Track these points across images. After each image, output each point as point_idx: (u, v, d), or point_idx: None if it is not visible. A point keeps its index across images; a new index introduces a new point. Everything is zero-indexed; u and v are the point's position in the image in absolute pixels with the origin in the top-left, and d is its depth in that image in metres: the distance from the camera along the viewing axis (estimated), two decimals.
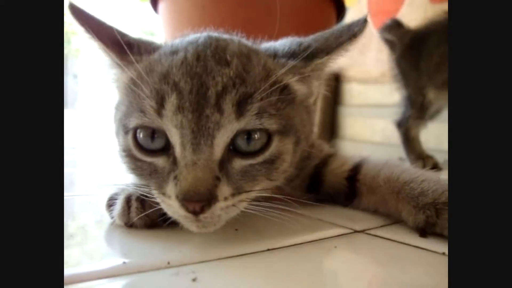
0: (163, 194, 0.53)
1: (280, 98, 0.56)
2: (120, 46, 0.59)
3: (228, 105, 0.51)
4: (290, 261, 0.49)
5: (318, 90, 0.67)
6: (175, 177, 0.51)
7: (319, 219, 0.68)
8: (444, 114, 1.71)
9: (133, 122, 0.55)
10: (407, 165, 0.72)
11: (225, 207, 0.51)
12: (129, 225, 0.58)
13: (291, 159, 0.60)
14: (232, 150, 0.54)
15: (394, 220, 0.66)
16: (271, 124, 0.54)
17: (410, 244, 0.55)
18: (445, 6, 1.89)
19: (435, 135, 1.88)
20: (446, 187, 0.59)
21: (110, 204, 0.61)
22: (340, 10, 1.50)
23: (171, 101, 0.52)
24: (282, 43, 0.64)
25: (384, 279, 0.45)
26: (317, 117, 0.71)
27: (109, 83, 0.70)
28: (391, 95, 1.84)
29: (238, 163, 0.54)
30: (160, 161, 0.54)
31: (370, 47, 2.31)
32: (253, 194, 0.56)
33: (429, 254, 0.52)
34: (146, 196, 0.57)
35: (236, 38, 0.65)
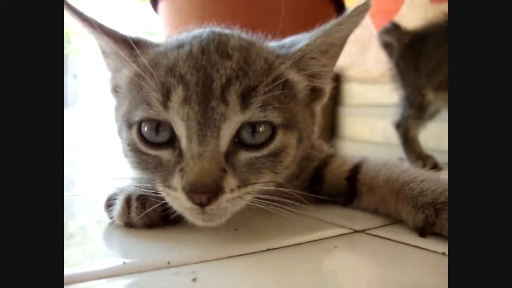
0: (169, 187, 0.53)
1: (283, 92, 0.57)
2: (126, 41, 0.61)
3: (233, 97, 0.52)
4: (290, 261, 0.49)
5: (325, 85, 0.67)
6: (181, 170, 0.51)
7: (319, 219, 0.68)
8: (444, 114, 1.71)
9: (137, 116, 0.55)
10: (406, 165, 0.72)
11: (231, 199, 0.52)
12: (129, 225, 0.58)
13: (294, 154, 0.61)
14: (238, 142, 0.54)
15: (394, 220, 0.66)
16: (275, 117, 0.55)
17: (410, 244, 0.55)
18: (445, 6, 1.89)
19: (435, 135, 1.88)
20: (445, 187, 0.59)
21: (109, 204, 0.61)
22: (340, 9, 1.51)
23: (178, 93, 0.52)
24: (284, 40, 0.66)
25: (384, 279, 0.45)
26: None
27: (106, 86, 0.71)
28: (391, 95, 1.84)
29: (244, 156, 0.55)
30: (165, 154, 0.55)
31: (370, 47, 2.31)
32: (258, 187, 0.56)
33: (429, 254, 0.52)
34: (148, 194, 0.57)
35: (237, 32, 0.66)
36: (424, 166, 0.73)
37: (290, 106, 0.59)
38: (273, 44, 0.66)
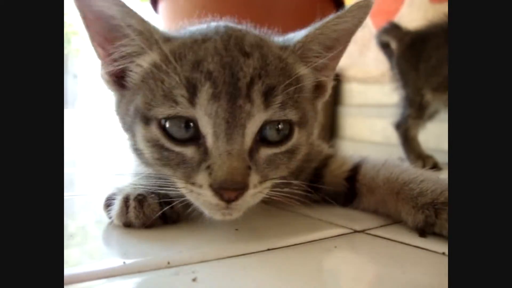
0: (193, 183, 0.53)
1: (296, 89, 0.58)
2: (146, 28, 0.58)
3: (257, 96, 0.53)
4: (290, 261, 0.49)
5: (328, 81, 0.68)
6: (208, 167, 0.52)
7: (319, 219, 0.68)
8: (444, 114, 1.71)
9: (160, 112, 0.54)
10: (406, 165, 0.72)
11: (254, 194, 0.54)
12: (127, 225, 0.58)
13: (304, 150, 0.63)
14: (259, 140, 0.56)
15: (394, 220, 0.66)
16: (293, 115, 0.57)
17: (410, 244, 0.55)
18: (445, 6, 1.89)
19: (435, 135, 1.88)
20: (445, 187, 0.59)
21: (108, 204, 0.61)
22: (339, 9, 1.50)
23: (205, 90, 0.52)
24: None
25: (384, 279, 0.45)
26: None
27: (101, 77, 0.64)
28: (391, 95, 1.84)
29: (264, 152, 0.56)
30: (189, 151, 0.55)
31: (370, 47, 2.31)
32: (274, 182, 0.59)
33: (429, 254, 0.52)
34: (146, 194, 0.57)
35: (248, 28, 0.67)
36: (424, 166, 0.73)
37: (302, 103, 0.60)
38: (278, 38, 0.67)
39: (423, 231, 0.58)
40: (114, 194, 0.60)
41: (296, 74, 0.59)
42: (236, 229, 0.59)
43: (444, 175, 0.61)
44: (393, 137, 1.81)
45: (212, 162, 0.52)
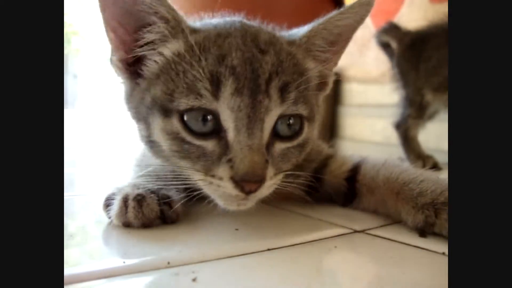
0: (212, 176, 0.55)
1: (305, 84, 0.60)
2: (174, 16, 0.58)
3: (274, 92, 0.56)
4: (290, 261, 0.49)
5: (330, 75, 0.70)
6: (229, 160, 0.54)
7: (319, 219, 0.68)
8: (444, 114, 1.71)
9: (185, 103, 0.55)
10: (406, 165, 0.72)
11: (269, 186, 0.57)
12: (127, 224, 0.58)
13: (311, 144, 0.67)
14: (273, 134, 0.58)
15: (394, 220, 0.66)
16: (303, 110, 0.60)
17: (410, 244, 0.55)
18: (445, 6, 1.89)
19: (435, 135, 1.88)
20: (445, 187, 0.60)
21: (107, 204, 0.60)
22: (339, 8, 1.50)
23: (229, 85, 0.54)
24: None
25: (384, 279, 0.45)
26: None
27: (112, 74, 0.64)
28: (391, 95, 1.83)
29: (279, 146, 0.59)
30: (209, 145, 0.56)
31: (370, 47, 2.31)
32: (285, 173, 0.61)
33: (429, 254, 0.52)
34: (145, 194, 0.57)
35: (259, 24, 0.68)
36: (424, 166, 0.73)
37: (310, 98, 0.63)
38: (284, 33, 0.68)
39: (423, 231, 0.58)
40: (113, 194, 0.60)
41: (305, 70, 0.62)
42: (236, 229, 0.59)
43: (444, 175, 0.61)
44: (393, 137, 1.81)
45: (234, 156, 0.54)
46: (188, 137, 0.56)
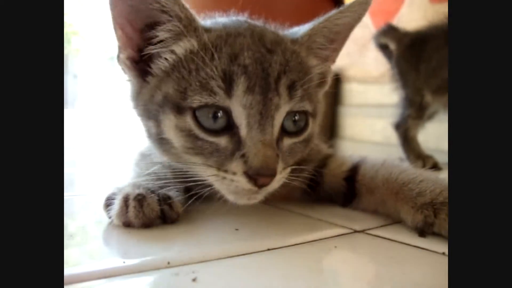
0: (225, 171, 0.57)
1: (309, 81, 0.62)
2: (187, 15, 0.59)
3: (283, 90, 0.58)
4: (290, 261, 0.49)
5: (329, 72, 0.72)
6: (243, 155, 0.55)
7: (319, 219, 0.68)
8: (443, 115, 1.71)
9: (198, 101, 0.56)
10: (406, 165, 0.72)
11: (279, 179, 0.59)
12: (127, 224, 0.58)
13: (315, 140, 0.69)
14: (281, 130, 0.61)
15: (394, 220, 0.66)
16: (308, 106, 0.63)
17: (410, 244, 0.56)
18: (445, 6, 1.89)
19: (435, 135, 1.88)
20: (444, 187, 0.60)
21: (108, 204, 0.60)
22: (338, 7, 1.51)
23: (241, 83, 0.56)
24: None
25: (384, 279, 0.45)
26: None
27: (119, 70, 0.65)
28: (391, 95, 1.83)
29: (286, 142, 0.62)
30: (222, 141, 0.58)
31: (370, 47, 2.31)
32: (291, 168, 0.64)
33: (429, 254, 0.52)
34: (145, 194, 0.57)
35: (263, 25, 0.70)
36: (424, 166, 0.73)
37: (313, 95, 0.66)
38: (286, 32, 0.70)
39: (423, 231, 0.58)
40: (114, 193, 0.60)
41: (309, 68, 0.65)
42: (236, 229, 0.59)
43: (444, 175, 0.61)
44: (393, 137, 1.81)
45: (247, 151, 0.56)
46: (202, 134, 0.58)
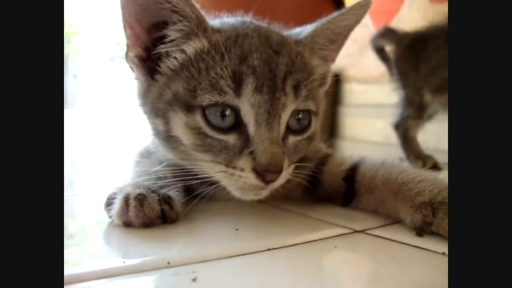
0: (234, 167, 0.59)
1: (312, 81, 0.65)
2: (198, 15, 0.61)
3: (290, 89, 0.61)
4: (290, 261, 0.49)
5: (329, 72, 0.74)
6: (251, 152, 0.57)
7: (319, 219, 0.68)
8: (443, 115, 1.71)
9: (208, 99, 0.58)
10: (405, 165, 0.72)
11: (284, 176, 0.61)
12: (127, 224, 0.58)
13: (317, 138, 0.72)
14: (286, 128, 0.63)
15: (394, 220, 0.66)
16: (312, 105, 0.65)
17: (410, 244, 0.56)
18: (445, 6, 1.89)
19: (435, 135, 1.88)
20: (443, 186, 0.60)
21: (109, 203, 0.61)
22: (339, 8, 1.51)
23: (250, 83, 0.58)
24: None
25: (384, 279, 0.45)
26: None
27: (127, 69, 0.66)
28: (391, 95, 1.83)
29: (291, 139, 0.64)
30: (231, 138, 0.60)
31: (370, 47, 2.31)
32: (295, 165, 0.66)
33: (429, 254, 0.52)
34: (146, 193, 0.57)
35: (268, 26, 0.72)
36: (423, 166, 0.73)
37: (316, 94, 0.68)
38: (289, 33, 0.72)
39: (421, 230, 0.58)
40: (114, 193, 0.60)
41: (312, 68, 0.67)
42: (236, 229, 0.59)
43: (444, 175, 0.61)
44: (393, 137, 1.81)
45: (255, 148, 0.58)
46: (211, 132, 0.59)
